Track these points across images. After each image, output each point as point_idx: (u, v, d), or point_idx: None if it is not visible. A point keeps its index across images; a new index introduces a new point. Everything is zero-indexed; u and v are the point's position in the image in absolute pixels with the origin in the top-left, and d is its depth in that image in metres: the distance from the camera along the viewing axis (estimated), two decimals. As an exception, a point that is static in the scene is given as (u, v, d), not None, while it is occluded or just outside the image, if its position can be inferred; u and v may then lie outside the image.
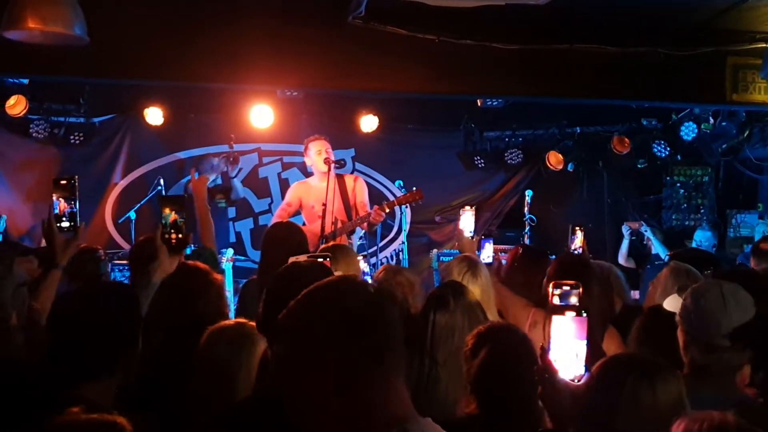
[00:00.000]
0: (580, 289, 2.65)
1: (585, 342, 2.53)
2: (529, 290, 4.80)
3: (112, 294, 2.98)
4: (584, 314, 2.53)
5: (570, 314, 2.53)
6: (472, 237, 5.04)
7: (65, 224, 3.68)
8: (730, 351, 2.93)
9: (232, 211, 10.07)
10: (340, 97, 9.18)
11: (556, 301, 2.63)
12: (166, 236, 3.46)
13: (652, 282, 4.58)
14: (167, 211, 3.49)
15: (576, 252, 6.10)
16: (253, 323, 3.13)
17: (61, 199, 3.72)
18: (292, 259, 3.09)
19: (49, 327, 2.86)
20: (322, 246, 5.07)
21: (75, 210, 3.70)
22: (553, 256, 7.40)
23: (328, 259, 3.37)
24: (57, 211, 3.70)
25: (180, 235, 3.47)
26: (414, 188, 7.64)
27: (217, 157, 9.50)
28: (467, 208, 5.15)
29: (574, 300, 2.62)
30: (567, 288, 2.64)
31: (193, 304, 3.33)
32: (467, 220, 5.08)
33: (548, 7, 5.40)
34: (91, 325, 2.76)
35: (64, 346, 2.76)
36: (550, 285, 2.64)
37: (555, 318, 2.53)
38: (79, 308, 2.82)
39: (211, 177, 9.45)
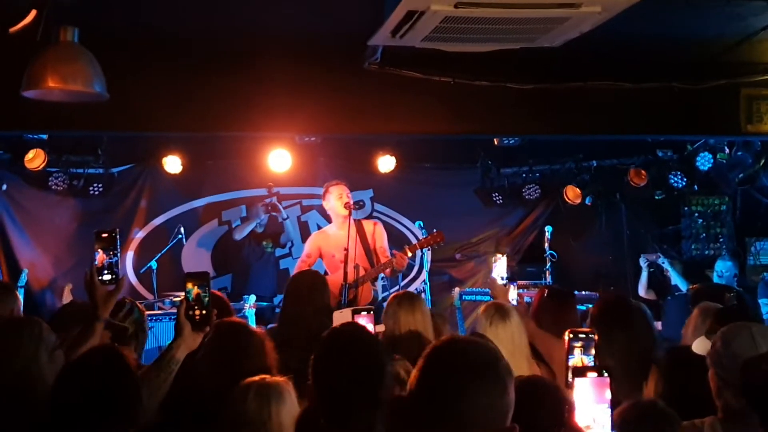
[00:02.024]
0: (596, 337, 2.61)
1: (608, 406, 2.52)
2: (559, 332, 4.79)
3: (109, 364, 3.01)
4: (605, 374, 2.53)
5: (592, 375, 2.53)
6: (505, 284, 5.04)
7: (107, 277, 3.70)
8: None
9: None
10: (357, 138, 9.23)
11: (575, 352, 2.61)
12: (190, 312, 3.45)
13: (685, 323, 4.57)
14: (190, 285, 3.48)
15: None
16: (277, 378, 3.15)
17: (101, 250, 3.74)
18: (336, 315, 3.15)
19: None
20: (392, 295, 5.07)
21: (115, 262, 3.72)
22: (577, 292, 7.42)
23: (371, 312, 3.43)
24: (97, 263, 3.72)
25: (204, 311, 3.46)
26: (434, 230, 7.69)
27: (261, 204, 9.58)
28: (499, 255, 5.16)
29: (592, 350, 2.60)
30: (583, 336, 2.63)
31: (238, 364, 3.36)
32: (500, 267, 5.08)
33: (562, 46, 5.43)
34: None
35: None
36: (566, 333, 2.65)
37: (577, 381, 2.52)
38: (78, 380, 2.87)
39: (253, 225, 9.53)
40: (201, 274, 3.59)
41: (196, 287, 3.46)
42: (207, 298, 3.46)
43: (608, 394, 2.51)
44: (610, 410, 2.52)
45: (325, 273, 7.62)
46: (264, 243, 9.64)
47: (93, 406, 2.82)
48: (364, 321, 3.71)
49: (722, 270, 8.88)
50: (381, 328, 3.92)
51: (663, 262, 9.47)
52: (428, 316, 4.75)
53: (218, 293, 5.07)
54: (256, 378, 3.20)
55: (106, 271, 3.71)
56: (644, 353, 4.07)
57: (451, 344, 2.35)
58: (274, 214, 9.56)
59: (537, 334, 4.73)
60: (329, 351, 2.91)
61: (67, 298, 8.75)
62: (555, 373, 4.42)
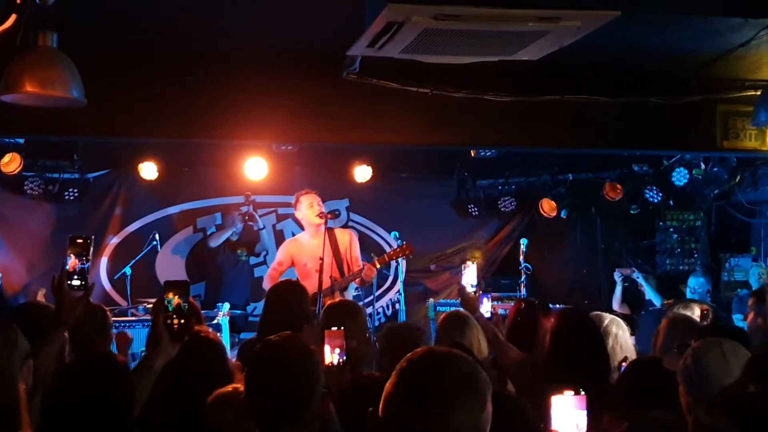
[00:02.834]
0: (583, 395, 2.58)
1: (585, 412, 2.51)
2: (532, 345, 4.81)
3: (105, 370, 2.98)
4: (582, 393, 2.52)
5: (569, 393, 2.52)
6: (475, 292, 5.02)
7: (76, 282, 3.66)
8: None
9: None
10: (334, 147, 9.23)
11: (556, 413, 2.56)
12: (169, 321, 3.42)
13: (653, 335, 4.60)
14: (171, 295, 3.45)
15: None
16: None
17: (73, 255, 3.70)
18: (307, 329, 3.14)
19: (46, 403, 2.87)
20: (328, 304, 5.05)
21: (86, 268, 3.69)
22: (551, 305, 7.44)
23: (342, 329, 3.42)
24: (68, 268, 3.68)
25: (182, 321, 3.43)
26: (403, 243, 7.73)
27: (238, 212, 9.56)
28: (469, 263, 5.13)
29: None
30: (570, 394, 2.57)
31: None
32: (470, 275, 5.06)
33: (540, 60, 5.46)
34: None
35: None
36: (551, 399, 2.57)
37: (554, 398, 2.51)
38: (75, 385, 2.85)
39: (228, 233, 9.51)
40: (181, 283, 3.57)
41: (176, 297, 3.44)
42: (186, 308, 3.44)
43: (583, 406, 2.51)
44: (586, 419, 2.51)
45: (296, 280, 7.63)
46: (239, 251, 9.62)
47: (91, 411, 2.81)
48: (334, 338, 3.65)
49: (695, 286, 8.96)
50: (353, 343, 3.89)
51: (637, 277, 9.53)
52: (480, 333, 4.79)
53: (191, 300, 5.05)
54: (228, 388, 3.18)
55: (76, 277, 3.67)
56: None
57: (430, 356, 2.23)
58: (250, 223, 9.55)
59: (501, 348, 4.75)
60: (259, 364, 2.88)
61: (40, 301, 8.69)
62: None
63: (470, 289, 5.00)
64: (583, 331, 4.32)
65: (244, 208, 9.58)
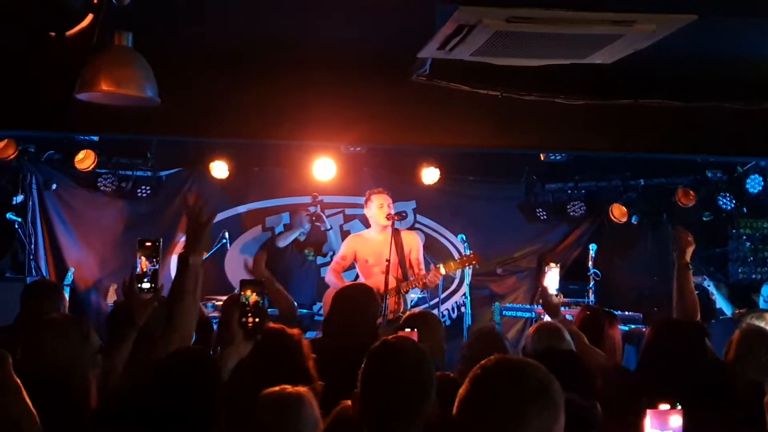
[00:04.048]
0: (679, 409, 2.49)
1: (680, 428, 2.43)
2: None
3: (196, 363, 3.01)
4: (679, 407, 2.44)
5: (664, 407, 2.44)
6: (557, 295, 4.98)
7: (146, 285, 3.73)
8: None
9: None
10: (402, 149, 9.23)
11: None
12: (243, 320, 3.43)
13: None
14: (249, 292, 3.44)
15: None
16: (299, 388, 3.12)
17: (143, 258, 3.77)
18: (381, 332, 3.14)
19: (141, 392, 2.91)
20: (407, 314, 5.07)
21: (157, 270, 3.75)
22: (618, 312, 7.34)
23: (415, 330, 3.42)
24: (139, 270, 3.75)
25: (257, 319, 3.43)
26: (471, 252, 7.70)
27: (305, 212, 9.63)
28: (552, 265, 5.10)
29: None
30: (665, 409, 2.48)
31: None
32: (552, 278, 5.02)
33: (613, 62, 5.39)
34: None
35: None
36: (647, 413, 2.49)
37: (649, 412, 2.43)
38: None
39: (296, 233, 9.58)
40: (256, 281, 3.58)
41: (254, 294, 3.43)
42: (263, 306, 3.45)
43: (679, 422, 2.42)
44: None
45: (357, 277, 7.67)
46: (306, 251, 9.68)
47: (178, 410, 2.84)
48: None
49: (768, 294, 8.77)
50: (425, 347, 3.92)
51: (708, 285, 9.34)
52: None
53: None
54: (276, 388, 3.19)
55: (146, 279, 3.73)
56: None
57: (503, 365, 2.23)
58: (317, 224, 9.60)
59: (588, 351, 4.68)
60: (380, 362, 2.88)
61: (111, 298, 8.87)
62: None
63: (552, 292, 4.97)
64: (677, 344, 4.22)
65: (311, 209, 9.63)
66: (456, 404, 2.19)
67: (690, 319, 4.81)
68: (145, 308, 3.69)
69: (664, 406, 2.42)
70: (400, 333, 3.65)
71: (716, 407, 3.73)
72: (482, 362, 2.24)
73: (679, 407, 2.41)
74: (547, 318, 5.52)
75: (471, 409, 2.16)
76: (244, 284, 3.51)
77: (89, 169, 9.17)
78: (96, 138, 8.88)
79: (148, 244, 3.79)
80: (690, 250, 4.96)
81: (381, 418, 2.76)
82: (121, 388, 3.12)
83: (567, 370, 3.42)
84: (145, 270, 3.74)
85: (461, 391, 2.20)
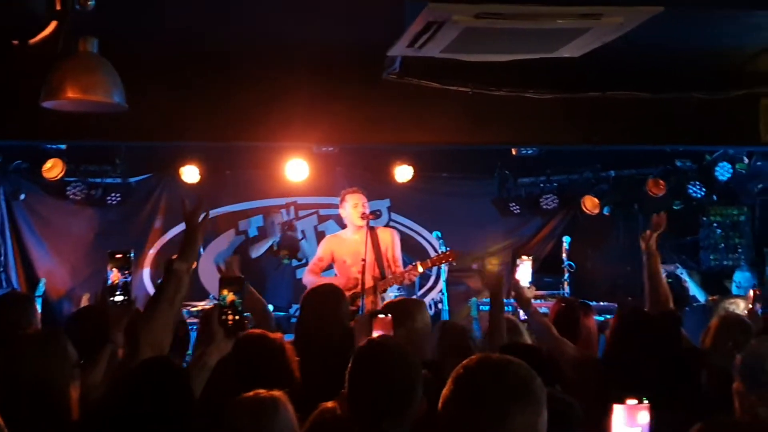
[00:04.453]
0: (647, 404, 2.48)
1: (647, 422, 2.42)
2: (573, 343, 4.76)
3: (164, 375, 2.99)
4: (646, 402, 2.43)
5: (631, 402, 2.43)
6: (529, 288, 4.99)
7: (119, 297, 3.68)
8: None
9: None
10: (375, 148, 9.22)
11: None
12: (223, 318, 3.41)
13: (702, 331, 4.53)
14: (225, 292, 3.44)
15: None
16: (273, 392, 3.10)
17: (115, 269, 3.72)
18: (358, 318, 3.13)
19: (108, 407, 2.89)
20: (386, 302, 5.07)
21: (129, 281, 3.70)
22: (593, 303, 7.38)
23: (389, 315, 3.43)
24: (110, 282, 3.70)
25: (237, 317, 3.42)
26: (448, 249, 7.69)
27: (277, 221, 9.58)
28: (524, 257, 5.08)
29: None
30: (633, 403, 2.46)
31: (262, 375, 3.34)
32: (524, 270, 5.01)
33: (581, 56, 5.41)
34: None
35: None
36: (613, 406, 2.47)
37: (615, 407, 2.42)
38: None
39: (269, 243, 9.54)
40: (236, 279, 3.56)
41: (231, 293, 3.42)
42: (241, 304, 3.43)
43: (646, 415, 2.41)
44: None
45: (335, 277, 7.66)
46: (281, 255, 9.63)
47: (149, 417, 2.82)
48: (384, 324, 3.69)
49: (740, 281, 8.84)
50: (402, 331, 3.92)
51: (681, 273, 9.41)
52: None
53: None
54: (251, 393, 3.17)
55: (119, 292, 3.69)
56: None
57: (486, 363, 2.26)
58: (290, 232, 9.56)
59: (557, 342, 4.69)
60: (367, 362, 2.90)
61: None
62: None
63: (524, 284, 4.97)
64: (643, 332, 4.24)
65: (284, 217, 9.61)
66: (440, 404, 2.21)
67: (663, 308, 4.82)
68: (120, 321, 3.65)
69: (632, 401, 2.41)
70: (375, 319, 3.64)
71: (688, 397, 3.74)
72: (464, 362, 2.26)
73: (646, 402, 2.40)
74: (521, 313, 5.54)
75: (455, 409, 2.18)
76: (222, 283, 3.49)
77: (58, 177, 9.05)
78: (63, 146, 8.78)
79: (119, 255, 3.75)
80: (655, 235, 4.97)
81: (370, 418, 2.77)
82: (99, 400, 3.08)
83: (532, 364, 3.44)
84: (116, 282, 3.70)
85: (445, 391, 2.22)
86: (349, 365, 2.91)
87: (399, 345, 3.01)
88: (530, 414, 2.14)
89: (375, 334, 3.61)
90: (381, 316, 3.72)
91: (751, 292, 5.38)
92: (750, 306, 5.23)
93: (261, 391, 3.11)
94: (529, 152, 9.21)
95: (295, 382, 3.59)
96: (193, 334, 5.06)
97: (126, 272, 3.71)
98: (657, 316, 4.62)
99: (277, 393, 3.10)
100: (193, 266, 3.66)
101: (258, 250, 9.57)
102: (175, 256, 3.58)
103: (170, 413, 2.89)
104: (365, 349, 2.95)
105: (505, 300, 9.26)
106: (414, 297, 8.69)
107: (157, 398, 2.88)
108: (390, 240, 7.89)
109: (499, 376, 2.19)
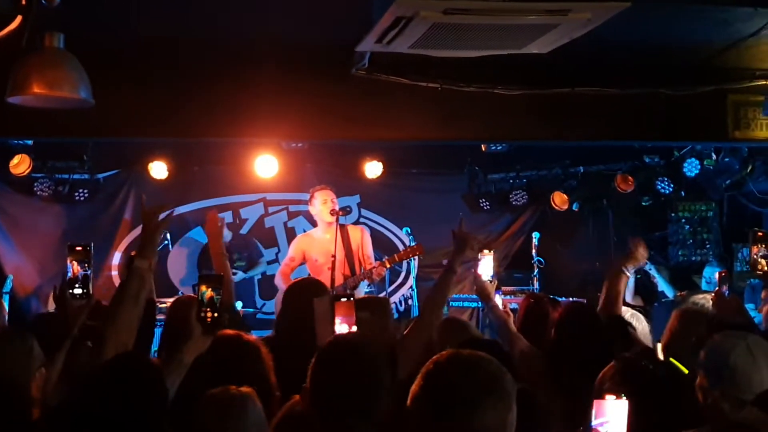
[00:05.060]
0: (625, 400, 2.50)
1: (625, 417, 2.45)
2: (542, 339, 4.78)
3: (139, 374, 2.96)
4: (624, 398, 2.46)
5: (611, 398, 2.46)
6: (491, 281, 5.00)
7: (78, 291, 3.65)
8: None
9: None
10: (345, 144, 9.21)
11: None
12: (202, 314, 3.38)
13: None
14: (204, 288, 3.40)
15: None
16: (242, 388, 3.08)
17: (74, 262, 3.69)
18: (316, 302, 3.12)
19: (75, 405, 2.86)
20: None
21: (88, 275, 3.67)
22: (562, 299, 7.42)
23: (351, 299, 3.44)
24: (70, 275, 3.67)
25: (216, 314, 3.39)
26: (415, 243, 7.71)
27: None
28: (486, 252, 5.08)
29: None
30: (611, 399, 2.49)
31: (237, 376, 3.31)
32: (486, 264, 5.02)
33: (550, 52, 5.43)
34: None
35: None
36: (594, 402, 2.49)
37: (596, 402, 2.45)
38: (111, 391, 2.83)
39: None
40: (215, 277, 3.54)
41: (209, 290, 3.39)
42: (219, 301, 3.40)
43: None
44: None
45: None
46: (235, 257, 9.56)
47: (123, 414, 2.79)
48: (344, 309, 3.65)
49: (710, 276, 8.91)
50: (364, 314, 3.87)
51: (650, 268, 9.49)
52: None
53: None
54: (218, 389, 3.15)
55: (78, 285, 3.65)
56: None
57: (455, 359, 2.25)
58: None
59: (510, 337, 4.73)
60: (329, 360, 2.84)
61: (51, 305, 8.68)
62: None
63: (486, 278, 4.98)
64: (586, 326, 4.29)
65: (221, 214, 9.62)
66: (409, 400, 2.21)
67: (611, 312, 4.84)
68: (78, 315, 3.61)
69: (610, 397, 2.44)
70: (337, 303, 3.61)
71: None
72: (434, 357, 2.26)
73: (624, 398, 2.43)
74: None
75: (425, 404, 2.17)
76: (201, 279, 3.47)
77: (24, 173, 8.96)
78: (30, 142, 8.69)
79: (79, 248, 3.71)
80: (635, 264, 5.02)
81: (330, 415, 2.73)
82: (63, 398, 3.04)
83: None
84: (76, 275, 3.66)
85: (414, 387, 2.21)
86: (312, 362, 2.85)
87: (365, 343, 2.94)
88: (501, 409, 2.15)
89: (337, 319, 3.58)
90: (343, 300, 3.66)
91: (717, 275, 5.40)
92: (717, 288, 5.25)
93: (231, 387, 3.09)
94: (499, 148, 9.24)
95: (270, 384, 3.56)
96: (158, 331, 4.99)
97: (86, 265, 3.67)
98: (604, 320, 4.66)
99: (246, 389, 3.08)
100: (154, 263, 3.61)
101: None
102: (134, 253, 3.54)
103: (144, 411, 2.85)
104: (329, 345, 2.90)
105: (476, 296, 9.38)
106: (384, 293, 8.72)
107: (130, 396, 2.85)
108: (360, 238, 7.88)
109: (470, 371, 2.19)
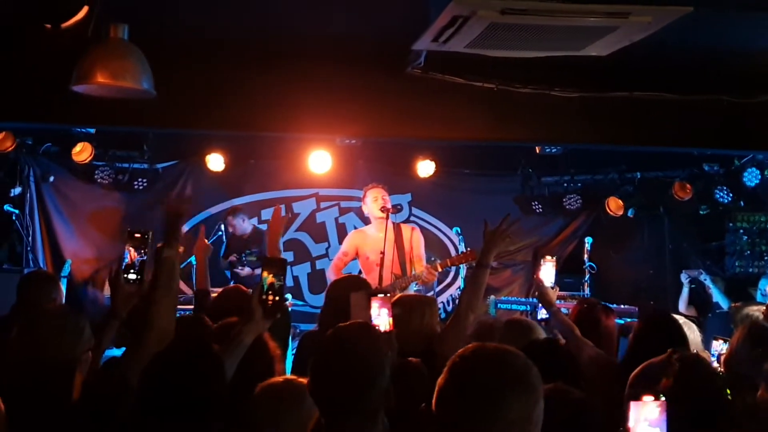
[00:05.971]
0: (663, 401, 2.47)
1: (664, 419, 2.43)
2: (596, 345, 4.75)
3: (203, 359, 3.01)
4: (663, 399, 2.45)
5: (648, 399, 2.44)
6: (553, 288, 5.00)
7: (132, 276, 3.71)
8: None
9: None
10: (397, 142, 9.24)
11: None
12: (264, 297, 3.40)
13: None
14: (265, 274, 3.42)
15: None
16: (302, 379, 3.10)
17: (131, 249, 3.75)
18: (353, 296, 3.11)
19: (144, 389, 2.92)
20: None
21: (145, 262, 3.73)
22: (614, 306, 7.35)
23: (387, 295, 3.40)
24: (127, 261, 3.73)
25: (277, 298, 3.43)
26: (467, 249, 7.69)
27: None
28: (548, 258, 5.10)
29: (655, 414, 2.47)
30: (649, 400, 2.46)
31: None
32: (548, 271, 5.03)
33: (609, 55, 5.39)
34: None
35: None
36: (630, 404, 2.45)
37: (632, 404, 2.43)
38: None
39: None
40: (277, 261, 3.55)
41: (270, 275, 3.43)
42: (281, 286, 3.44)
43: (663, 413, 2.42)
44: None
45: (359, 273, 7.66)
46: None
47: (185, 399, 2.84)
48: (380, 305, 3.68)
49: (765, 288, 8.76)
50: (398, 311, 3.88)
51: (705, 279, 9.36)
52: None
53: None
54: (279, 379, 3.19)
55: (133, 271, 3.71)
56: None
57: (481, 352, 2.25)
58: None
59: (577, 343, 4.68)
60: (322, 350, 2.85)
61: (107, 289, 8.85)
62: None
63: (548, 284, 4.99)
64: (667, 335, 4.23)
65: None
66: (435, 394, 2.21)
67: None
68: (129, 300, 3.68)
69: (648, 398, 2.42)
70: (373, 298, 3.63)
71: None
72: (459, 351, 2.26)
73: (663, 399, 2.42)
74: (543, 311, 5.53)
75: (451, 399, 2.18)
76: (264, 264, 3.51)
77: (86, 161, 9.18)
78: (93, 130, 8.89)
79: (137, 235, 3.76)
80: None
81: (325, 408, 2.73)
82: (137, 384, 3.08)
83: (552, 357, 3.46)
84: (133, 261, 3.72)
85: (440, 380, 2.22)
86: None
87: (363, 334, 2.90)
88: (526, 403, 2.15)
89: (374, 312, 3.60)
90: (380, 296, 3.68)
91: None
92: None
93: (292, 378, 3.13)
94: (553, 151, 9.20)
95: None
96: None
97: (142, 252, 3.73)
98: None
99: (302, 380, 3.10)
100: (181, 250, 3.67)
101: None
102: (160, 245, 3.59)
103: (203, 398, 2.89)
104: (327, 337, 2.88)
105: (525, 299, 9.35)
106: (432, 293, 8.71)
107: (190, 383, 2.89)
108: (413, 237, 7.87)
109: (496, 364, 2.19)
